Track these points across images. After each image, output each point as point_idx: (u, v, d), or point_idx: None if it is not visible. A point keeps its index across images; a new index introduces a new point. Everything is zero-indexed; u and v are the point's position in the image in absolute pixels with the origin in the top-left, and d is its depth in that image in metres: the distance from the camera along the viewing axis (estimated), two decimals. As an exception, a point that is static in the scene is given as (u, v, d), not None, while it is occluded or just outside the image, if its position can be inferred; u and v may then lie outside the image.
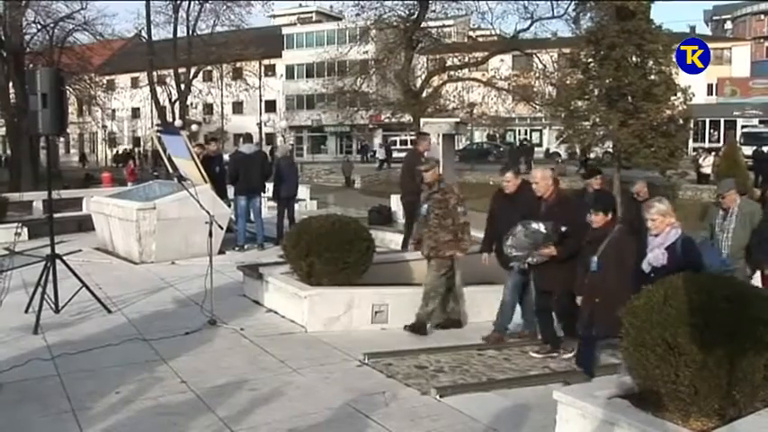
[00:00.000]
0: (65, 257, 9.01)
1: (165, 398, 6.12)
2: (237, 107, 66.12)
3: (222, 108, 60.92)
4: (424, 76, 42.03)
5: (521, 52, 42.45)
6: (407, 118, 40.70)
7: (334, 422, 5.62)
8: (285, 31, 71.82)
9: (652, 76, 29.28)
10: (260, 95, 60.46)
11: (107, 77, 56.08)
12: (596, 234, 6.87)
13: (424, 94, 39.85)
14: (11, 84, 36.91)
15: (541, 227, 7.28)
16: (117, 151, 68.73)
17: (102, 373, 6.78)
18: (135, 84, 64.26)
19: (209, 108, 61.20)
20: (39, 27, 37.76)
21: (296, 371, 6.71)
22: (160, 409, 5.87)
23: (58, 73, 9.08)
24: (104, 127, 59.73)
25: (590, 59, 30.74)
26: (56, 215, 9.78)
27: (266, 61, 62.36)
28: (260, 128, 64.69)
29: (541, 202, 7.58)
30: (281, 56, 69.91)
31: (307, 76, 67.39)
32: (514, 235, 7.45)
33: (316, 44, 66.00)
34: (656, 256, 5.99)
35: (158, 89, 44.76)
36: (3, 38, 36.16)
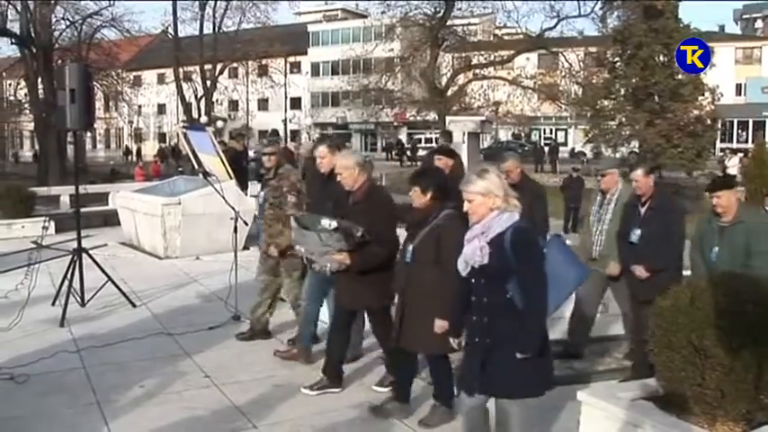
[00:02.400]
0: (91, 251, 9.09)
1: (189, 392, 6.16)
2: (263, 104, 66.36)
3: (247, 105, 61.08)
4: (449, 74, 41.90)
5: (546, 51, 42.19)
6: (432, 116, 40.63)
7: (356, 420, 5.61)
8: (311, 28, 71.96)
9: (679, 76, 29.08)
10: (285, 92, 60.55)
11: (134, 73, 56.77)
12: (417, 218, 5.45)
13: (449, 92, 39.72)
14: (40, 79, 37.34)
15: (332, 225, 5.78)
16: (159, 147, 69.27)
17: (127, 366, 6.84)
18: (161, 80, 64.81)
19: (234, 105, 61.42)
20: (67, 23, 38.20)
21: (314, 368, 6.73)
22: (184, 404, 5.91)
23: (85, 69, 9.16)
24: (131, 122, 60.11)
25: (616, 58, 30.63)
26: (82, 210, 9.85)
27: (292, 58, 62.45)
28: (285, 125, 64.89)
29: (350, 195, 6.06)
30: (306, 53, 70.05)
31: (332, 74, 67.45)
32: (307, 232, 6.09)
33: (341, 41, 66.01)
34: (472, 250, 4.19)
35: (184, 85, 45.05)
36: (32, 34, 36.55)
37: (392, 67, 43.62)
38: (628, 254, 6.54)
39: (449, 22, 40.09)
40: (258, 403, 5.91)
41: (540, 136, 59.95)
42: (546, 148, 47.11)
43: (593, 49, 36.61)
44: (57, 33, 38.23)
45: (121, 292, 8.98)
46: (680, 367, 4.11)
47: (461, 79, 41.18)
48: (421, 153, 45.26)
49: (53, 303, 8.65)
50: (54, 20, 37.48)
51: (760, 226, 5.94)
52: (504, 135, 59.58)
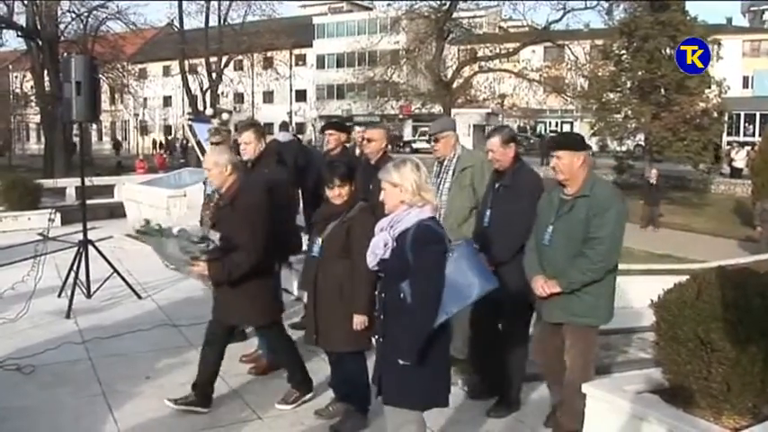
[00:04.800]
0: (97, 243, 9.12)
1: (195, 384, 6.16)
2: (268, 96, 66.35)
3: (253, 97, 61.18)
4: (454, 67, 41.91)
5: (552, 43, 42.17)
6: (438, 108, 40.59)
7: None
8: (316, 20, 71.92)
9: (686, 69, 28.95)
10: (290, 85, 60.68)
11: (139, 66, 56.69)
12: (329, 211, 5.20)
13: (454, 85, 39.74)
14: (45, 72, 37.42)
15: (186, 231, 5.47)
16: (155, 139, 69.32)
17: (133, 357, 6.87)
18: (167, 72, 64.86)
19: (239, 97, 61.47)
20: (73, 16, 38.31)
21: (325, 359, 6.72)
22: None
23: (91, 61, 9.16)
24: (136, 115, 60.27)
25: (623, 51, 30.54)
26: (88, 202, 9.89)
27: (297, 51, 62.54)
28: (290, 117, 64.90)
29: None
30: (311, 45, 70.02)
31: (337, 66, 67.45)
32: (164, 240, 5.64)
33: (346, 34, 66.00)
34: (376, 242, 4.05)
35: (190, 78, 45.10)
36: (38, 27, 36.63)
37: (397, 60, 43.60)
38: (480, 240, 5.28)
39: (454, 15, 40.09)
40: (263, 395, 5.92)
41: (545, 129, 59.83)
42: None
43: (599, 42, 36.45)
44: (62, 26, 38.38)
45: (127, 283, 9.00)
46: (686, 360, 4.10)
47: (467, 72, 41.17)
48: (424, 145, 45.23)
49: (59, 295, 8.67)
50: (60, 12, 37.60)
51: (605, 201, 4.73)
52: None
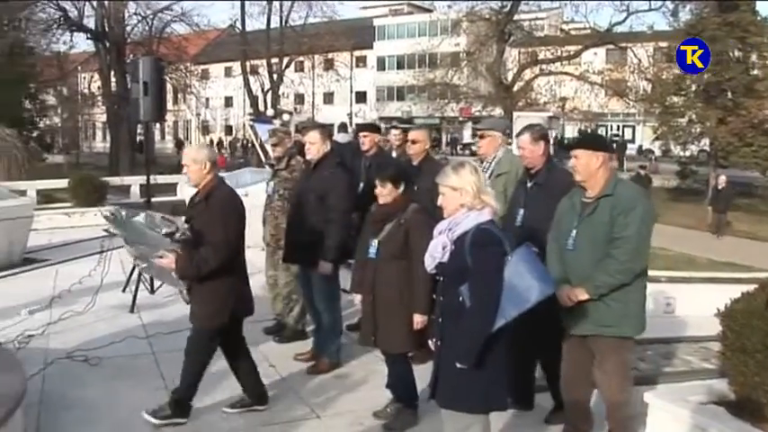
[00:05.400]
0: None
1: (255, 381, 6.24)
2: (328, 97, 66.77)
3: (313, 98, 61.65)
4: (515, 70, 41.56)
5: (615, 46, 41.53)
6: (498, 111, 40.33)
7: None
8: (377, 22, 72.11)
9: (755, 71, 28.25)
10: (351, 86, 60.97)
11: (202, 67, 57.67)
12: (382, 212, 5.28)
13: (515, 88, 39.40)
14: (112, 73, 38.34)
15: (152, 216, 5.40)
16: (212, 139, 70.27)
17: (195, 353, 6.97)
18: (228, 73, 65.76)
19: (300, 98, 62.00)
20: (139, 18, 39.19)
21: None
22: (249, 392, 6.00)
23: (158, 62, 9.39)
24: (198, 115, 61.18)
25: (688, 54, 29.87)
26: (151, 199, 10.09)
27: (357, 52, 62.79)
28: (350, 118, 65.29)
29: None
30: (372, 47, 70.22)
31: (398, 68, 67.53)
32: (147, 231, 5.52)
33: (407, 36, 65.99)
34: (435, 245, 4.08)
35: (251, 79, 45.60)
36: (106, 29, 37.57)
37: (458, 62, 43.40)
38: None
39: (515, 17, 39.76)
40: (321, 394, 5.98)
41: (606, 133, 59.01)
42: (613, 146, 46.40)
43: (663, 44, 35.80)
44: (129, 28, 39.24)
45: (189, 281, 9.14)
46: (754, 372, 4.00)
47: (528, 74, 40.78)
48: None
49: (123, 290, 8.86)
50: (127, 15, 38.52)
51: (630, 200, 4.55)
52: (571, 131, 58.80)
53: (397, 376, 5.42)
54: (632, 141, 57.25)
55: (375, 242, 5.20)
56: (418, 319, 4.97)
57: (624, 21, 38.68)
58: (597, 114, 46.87)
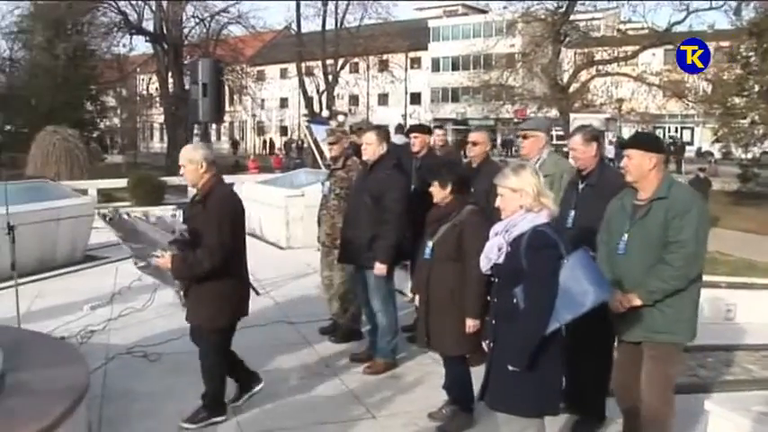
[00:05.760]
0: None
1: (310, 380, 6.32)
2: (383, 99, 66.90)
3: (368, 99, 61.85)
4: (571, 71, 41.11)
5: (674, 46, 40.77)
6: (554, 113, 39.96)
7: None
8: (431, 23, 72.02)
9: (822, 72, 27.48)
10: (405, 88, 60.97)
11: (258, 68, 58.24)
12: (437, 213, 5.27)
13: (571, 89, 38.98)
14: (170, 74, 39.02)
15: (163, 220, 5.41)
16: (265, 140, 70.89)
17: (250, 351, 6.97)
18: (284, 74, 66.29)
19: (354, 99, 62.25)
20: (196, 21, 39.84)
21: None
22: (304, 390, 6.09)
23: (217, 64, 9.54)
24: (254, 116, 61.84)
25: (751, 53, 29.14)
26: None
27: (412, 54, 62.81)
28: (405, 120, 65.30)
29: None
30: (427, 48, 70.15)
31: (452, 69, 67.37)
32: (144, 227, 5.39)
33: (462, 37, 65.79)
34: (490, 246, 4.08)
35: (306, 80, 45.91)
36: (164, 31, 38.28)
37: (513, 63, 43.11)
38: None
39: (571, 17, 39.33)
40: (377, 394, 5.99)
41: (664, 135, 58.02)
42: (671, 148, 45.58)
43: (724, 44, 35.02)
44: (186, 30, 39.92)
45: (246, 280, 9.25)
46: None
47: (584, 76, 40.28)
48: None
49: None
50: (184, 17, 39.18)
51: (686, 203, 4.36)
52: (627, 133, 57.92)
53: (453, 378, 5.41)
54: (691, 143, 56.19)
55: (430, 243, 5.19)
56: (470, 323, 4.95)
57: (684, 20, 37.99)
58: (655, 116, 46.06)
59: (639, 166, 4.43)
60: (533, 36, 40.98)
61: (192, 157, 5.20)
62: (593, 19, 44.95)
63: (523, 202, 3.96)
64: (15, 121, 49.52)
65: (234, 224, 5.21)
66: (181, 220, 5.45)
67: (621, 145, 5.04)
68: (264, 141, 70.39)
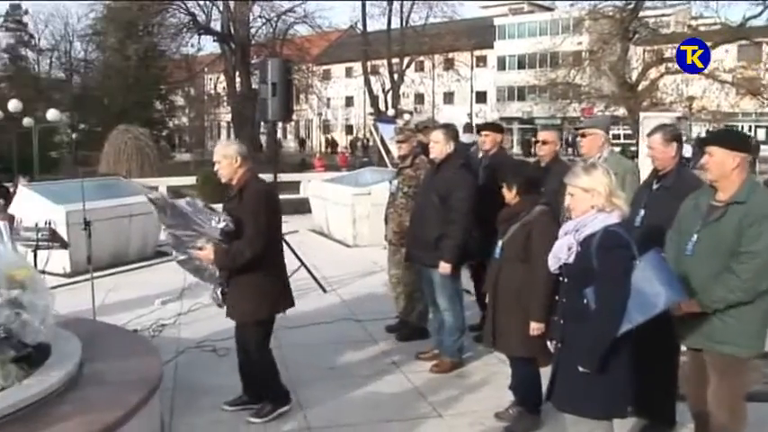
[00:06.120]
0: (285, 237, 9.51)
1: (376, 377, 6.33)
2: (448, 97, 66.68)
3: (433, 98, 61.75)
4: (640, 68, 40.37)
5: (749, 41, 39.70)
6: (621, 111, 39.29)
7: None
8: (497, 21, 71.44)
9: None
10: (471, 86, 60.72)
11: (323, 67, 58.81)
12: (507, 213, 5.25)
13: (639, 87, 38.28)
14: (237, 74, 39.63)
15: (196, 203, 5.27)
16: (328, 138, 71.31)
17: (317, 348, 7.13)
18: (349, 73, 66.69)
19: (420, 98, 62.26)
20: (263, 21, 40.38)
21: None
22: (370, 387, 6.11)
23: (286, 63, 9.63)
24: (319, 114, 62.37)
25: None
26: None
27: (478, 52, 62.42)
28: (470, 118, 65.02)
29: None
30: (492, 47, 69.62)
31: (518, 68, 66.70)
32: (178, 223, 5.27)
33: (528, 35, 65.11)
34: (560, 245, 4.02)
35: (372, 79, 46.13)
36: (232, 32, 38.91)
37: (580, 61, 42.56)
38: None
39: (640, 14, 38.61)
40: (443, 393, 5.97)
41: (736, 133, 56.51)
42: (758, 147, 44.36)
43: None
44: (253, 30, 40.49)
45: (313, 277, 9.33)
46: None
47: (653, 73, 39.50)
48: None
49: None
50: (251, 18, 39.75)
51: (764, 209, 4.06)
52: (697, 131, 56.72)
53: (520, 378, 5.37)
54: (765, 143, 54.66)
55: (500, 243, 5.16)
56: (534, 326, 4.91)
57: (760, 14, 36.86)
58: (727, 114, 44.92)
59: (721, 165, 4.16)
60: (601, 33, 40.33)
61: (226, 152, 5.29)
62: (663, 15, 44.05)
63: (595, 202, 3.88)
64: (89, 121, 51.07)
65: (270, 216, 5.25)
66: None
67: (703, 141, 4.82)
68: (327, 140, 70.84)
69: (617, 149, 6.05)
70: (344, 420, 5.46)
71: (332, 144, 67.75)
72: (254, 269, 5.17)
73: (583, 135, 6.07)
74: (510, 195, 5.19)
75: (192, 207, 5.15)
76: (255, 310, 5.29)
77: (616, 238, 3.81)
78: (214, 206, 5.56)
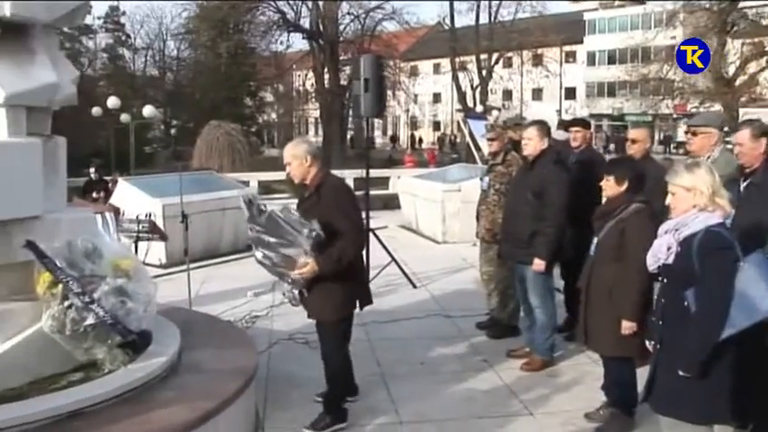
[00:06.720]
0: (376, 232, 9.59)
1: (467, 374, 6.31)
2: (537, 94, 65.85)
3: (521, 94, 61.11)
4: (738, 62, 38.99)
5: None
6: (717, 107, 38.06)
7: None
8: (587, 16, 70.15)
9: None
10: (560, 82, 59.81)
11: (411, 63, 58.81)
12: (604, 209, 5.16)
13: (737, 82, 37.00)
14: (326, 70, 40.08)
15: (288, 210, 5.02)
16: (413, 134, 71.36)
17: (408, 343, 7.15)
18: (437, 69, 66.60)
19: (508, 94, 61.70)
20: (351, 18, 40.67)
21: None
22: (461, 383, 6.09)
23: (378, 59, 9.67)
24: (407, 111, 62.43)
25: None
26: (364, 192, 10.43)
27: (567, 47, 61.39)
28: (559, 115, 64.11)
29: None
30: (582, 42, 68.45)
31: (609, 63, 65.32)
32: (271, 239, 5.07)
33: (619, 29, 63.74)
34: (659, 245, 3.92)
35: (460, 75, 45.92)
36: (320, 28, 39.36)
37: (674, 56, 41.39)
38: None
39: (740, 5, 37.25)
40: (534, 391, 5.91)
41: None
42: None
43: None
44: (341, 27, 40.81)
45: (404, 272, 9.37)
46: None
47: (752, 67, 38.10)
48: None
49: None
50: (340, 15, 40.10)
51: None
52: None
53: (613, 379, 5.27)
54: None
55: (595, 240, 5.07)
56: (626, 325, 4.82)
57: None
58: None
59: None
60: (696, 27, 39.09)
61: (295, 152, 5.19)
62: (764, 5, 42.39)
63: (697, 201, 3.76)
64: (181, 117, 52.46)
65: (356, 207, 5.22)
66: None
67: None
68: (412, 136, 70.88)
69: (729, 147, 5.75)
70: (435, 415, 5.45)
71: (418, 141, 67.77)
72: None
73: (694, 133, 5.80)
74: (616, 190, 5.04)
75: (284, 216, 5.02)
76: (338, 307, 5.21)
77: (719, 239, 3.69)
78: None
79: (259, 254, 5.19)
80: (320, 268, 4.93)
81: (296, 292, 5.21)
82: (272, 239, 5.03)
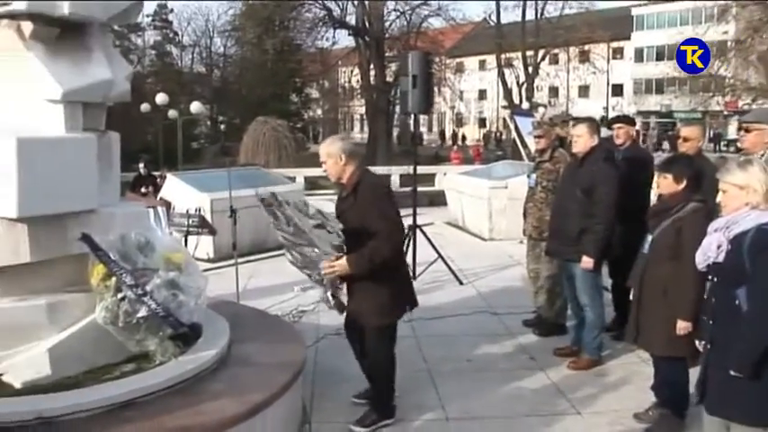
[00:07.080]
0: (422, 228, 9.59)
1: (514, 371, 6.29)
2: (583, 90, 65.23)
3: (568, 91, 60.60)
4: (794, 58, 38.11)
5: None
6: (770, 105, 37.29)
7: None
8: (635, 11, 69.22)
9: None
10: (607, 79, 59.20)
11: (456, 60, 58.65)
12: (659, 207, 5.10)
13: (792, 78, 36.18)
14: (371, 66, 40.17)
15: (308, 226, 4.84)
16: (455, 131, 71.15)
17: (454, 340, 7.14)
18: (483, 66, 66.31)
19: (554, 91, 61.20)
20: (397, 14, 40.70)
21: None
22: (508, 381, 6.05)
23: (426, 56, 9.70)
24: (452, 107, 62.24)
25: None
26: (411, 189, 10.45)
27: (614, 44, 60.74)
28: (606, 112, 63.39)
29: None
30: (629, 38, 67.59)
31: (657, 59, 64.41)
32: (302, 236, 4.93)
33: (667, 25, 62.73)
34: (708, 243, 3.88)
35: (506, 71, 45.67)
36: (366, 25, 39.46)
37: (725, 52, 40.60)
38: None
39: (799, -3, 36.40)
40: (582, 391, 5.86)
41: None
42: None
43: None
44: (387, 24, 40.87)
45: (450, 269, 9.36)
46: None
47: (809, 64, 37.22)
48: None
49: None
50: (386, 11, 40.16)
51: None
52: None
53: (663, 379, 5.19)
54: None
55: (650, 238, 5.00)
56: (681, 325, 4.74)
57: None
58: None
59: None
60: (750, 21, 38.27)
61: (330, 150, 5.06)
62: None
63: (750, 199, 3.71)
64: (227, 113, 52.98)
65: (394, 206, 5.04)
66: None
67: None
68: (454, 133, 70.66)
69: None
70: (482, 413, 5.43)
71: (462, 138, 67.52)
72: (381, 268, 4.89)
73: (747, 130, 5.62)
74: (673, 187, 4.97)
75: (301, 214, 4.93)
76: (383, 310, 5.03)
77: None
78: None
79: (289, 256, 5.10)
80: (350, 268, 4.81)
81: (329, 294, 5.05)
82: (293, 239, 4.97)
